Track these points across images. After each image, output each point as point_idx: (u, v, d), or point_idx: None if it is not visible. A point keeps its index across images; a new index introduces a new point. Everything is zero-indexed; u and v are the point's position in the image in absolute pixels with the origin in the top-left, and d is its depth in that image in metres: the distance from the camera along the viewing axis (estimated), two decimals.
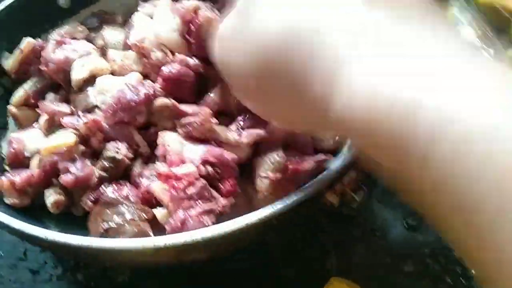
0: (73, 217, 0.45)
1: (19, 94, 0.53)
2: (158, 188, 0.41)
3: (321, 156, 0.47)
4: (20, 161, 0.48)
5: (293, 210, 0.35)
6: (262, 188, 0.44)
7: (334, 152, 0.49)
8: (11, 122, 0.53)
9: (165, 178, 0.41)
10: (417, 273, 0.45)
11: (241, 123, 0.45)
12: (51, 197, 0.44)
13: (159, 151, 0.44)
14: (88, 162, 0.44)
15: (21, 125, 0.52)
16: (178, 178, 0.40)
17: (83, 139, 0.45)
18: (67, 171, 0.44)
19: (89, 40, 0.57)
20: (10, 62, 0.53)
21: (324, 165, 0.47)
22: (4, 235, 0.50)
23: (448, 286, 0.45)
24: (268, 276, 0.47)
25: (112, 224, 0.40)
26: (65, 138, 0.45)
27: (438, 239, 0.47)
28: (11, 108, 0.52)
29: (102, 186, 0.43)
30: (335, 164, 0.47)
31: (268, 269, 0.47)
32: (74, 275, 0.49)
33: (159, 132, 0.45)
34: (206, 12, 0.46)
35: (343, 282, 0.41)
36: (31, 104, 0.52)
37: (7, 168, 0.49)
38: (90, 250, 0.34)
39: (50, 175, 0.45)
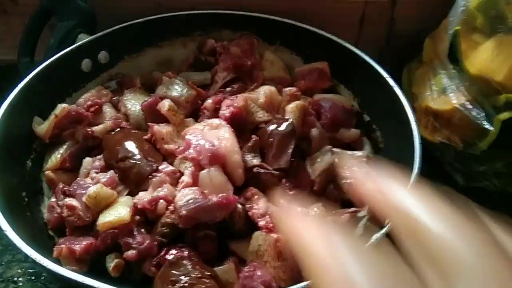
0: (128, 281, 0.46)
1: (56, 157, 0.53)
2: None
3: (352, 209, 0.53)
4: (63, 226, 0.48)
5: None
6: None
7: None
8: (45, 187, 0.53)
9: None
10: None
11: None
12: (112, 262, 0.45)
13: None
14: (144, 231, 0.45)
15: None
16: None
17: (138, 211, 0.46)
18: (129, 246, 0.44)
19: (114, 104, 0.60)
20: (44, 127, 0.53)
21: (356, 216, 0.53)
22: None
23: None
24: None
25: (182, 284, 0.42)
26: (120, 215, 0.45)
27: None
28: (48, 173, 0.52)
29: (164, 250, 0.45)
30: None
31: None
32: None
33: None
34: None
35: None
36: (67, 168, 0.53)
37: (51, 233, 0.49)
38: None
39: (110, 246, 0.45)
